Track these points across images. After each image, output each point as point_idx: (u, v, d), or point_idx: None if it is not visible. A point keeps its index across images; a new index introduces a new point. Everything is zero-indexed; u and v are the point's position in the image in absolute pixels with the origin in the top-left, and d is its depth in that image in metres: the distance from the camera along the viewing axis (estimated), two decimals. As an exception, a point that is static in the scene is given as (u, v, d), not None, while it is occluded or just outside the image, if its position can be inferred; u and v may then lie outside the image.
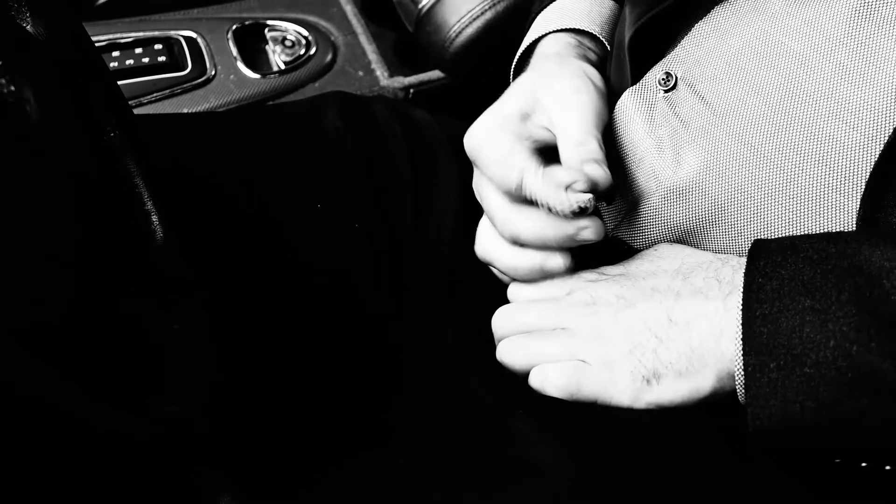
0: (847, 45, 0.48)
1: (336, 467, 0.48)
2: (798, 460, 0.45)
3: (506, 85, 0.67)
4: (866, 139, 0.47)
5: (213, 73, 0.93)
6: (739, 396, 0.45)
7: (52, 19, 0.45)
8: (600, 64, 0.63)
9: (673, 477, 0.45)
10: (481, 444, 0.49)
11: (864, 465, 0.44)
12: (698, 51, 0.54)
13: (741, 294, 0.45)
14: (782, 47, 0.51)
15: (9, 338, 0.36)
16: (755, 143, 0.51)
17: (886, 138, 0.46)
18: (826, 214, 0.49)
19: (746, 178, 0.51)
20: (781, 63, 0.51)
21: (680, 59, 0.55)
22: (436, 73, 0.99)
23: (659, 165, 0.54)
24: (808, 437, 0.43)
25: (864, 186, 0.47)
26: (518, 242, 0.53)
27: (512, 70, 0.66)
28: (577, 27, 0.63)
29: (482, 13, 0.89)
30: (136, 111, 0.73)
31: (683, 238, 0.55)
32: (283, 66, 0.96)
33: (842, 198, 0.48)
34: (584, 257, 0.54)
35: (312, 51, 0.98)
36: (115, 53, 0.91)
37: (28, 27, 0.44)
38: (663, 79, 0.55)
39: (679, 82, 0.55)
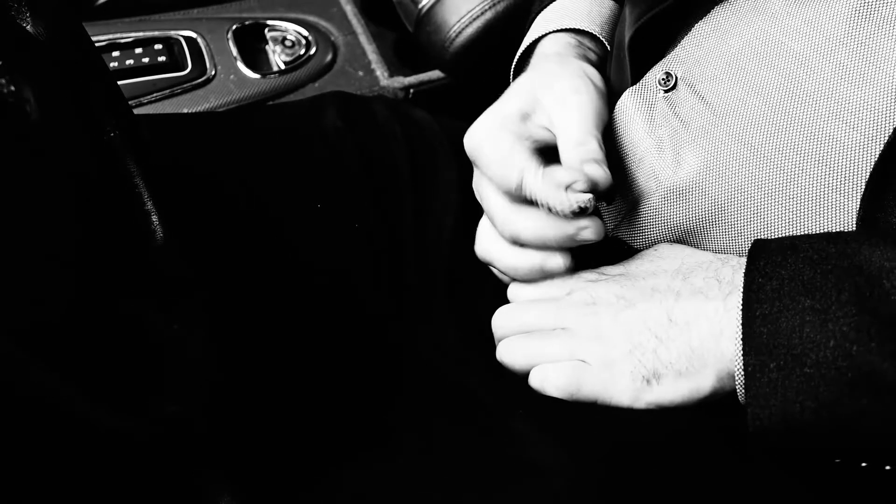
0: (847, 44, 0.48)
1: (336, 467, 0.48)
2: (798, 460, 0.45)
3: (506, 85, 0.67)
4: (866, 139, 0.47)
5: (213, 73, 0.93)
6: (739, 396, 0.45)
7: (52, 19, 0.45)
8: (600, 64, 0.63)
9: (673, 477, 0.45)
10: (481, 444, 0.49)
11: (863, 465, 0.44)
12: (698, 51, 0.54)
13: (741, 294, 0.45)
14: (782, 47, 0.51)
15: (9, 338, 0.36)
16: (755, 143, 0.51)
17: (886, 138, 0.46)
18: (826, 214, 0.49)
19: (746, 178, 0.51)
20: (781, 63, 0.51)
21: (680, 59, 0.55)
22: (436, 73, 0.99)
23: (659, 165, 0.54)
24: (808, 437, 0.43)
25: (864, 186, 0.47)
26: (518, 242, 0.53)
27: (512, 70, 0.66)
28: (577, 27, 0.63)
29: (482, 13, 0.89)
30: (136, 111, 0.73)
31: (683, 238, 0.55)
32: (283, 66, 0.96)
33: (842, 198, 0.48)
34: (584, 257, 0.54)
35: (312, 51, 0.98)
36: (115, 53, 0.91)
37: (28, 27, 0.44)
38: (663, 79, 0.55)
39: (679, 82, 0.55)
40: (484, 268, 0.58)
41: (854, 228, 0.47)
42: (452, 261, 0.62)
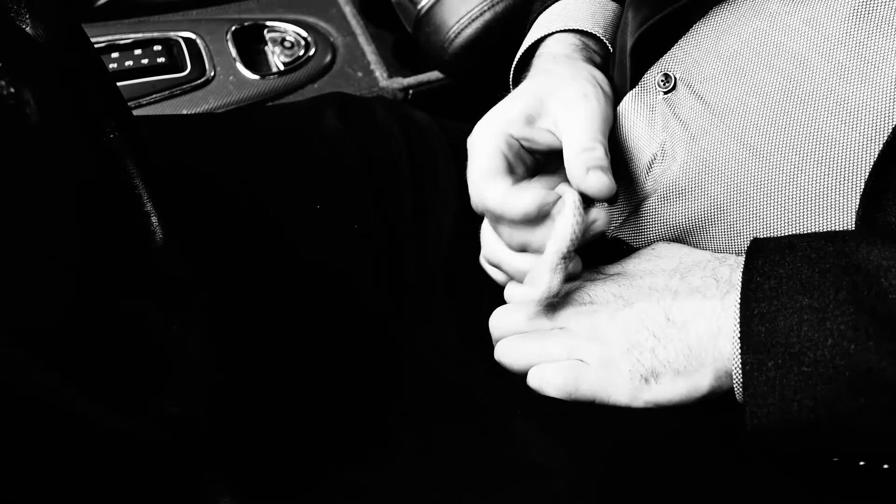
0: (846, 44, 0.48)
1: (336, 467, 0.48)
2: (796, 459, 0.45)
3: (505, 85, 0.67)
4: (865, 139, 0.47)
5: (212, 74, 0.93)
6: (737, 395, 0.45)
7: (51, 21, 0.45)
8: (604, 66, 0.63)
9: (673, 477, 0.45)
10: (481, 444, 0.49)
11: (861, 464, 0.44)
12: (697, 51, 0.54)
13: (739, 293, 0.45)
14: (781, 47, 0.51)
15: (9, 338, 0.36)
16: (754, 143, 0.51)
17: (885, 138, 0.46)
18: (825, 214, 0.49)
19: (745, 178, 0.51)
20: (780, 63, 0.51)
21: (678, 59, 0.55)
22: (435, 74, 0.99)
23: (659, 166, 0.55)
24: (806, 436, 0.43)
25: (862, 186, 0.47)
26: (527, 250, 0.53)
27: (512, 70, 0.66)
28: (580, 28, 0.63)
29: (481, 14, 0.89)
30: (135, 112, 0.73)
31: (682, 237, 0.55)
32: (282, 67, 0.96)
33: (841, 197, 0.48)
34: (583, 257, 0.54)
35: (311, 52, 0.98)
36: (115, 55, 0.91)
37: (28, 29, 0.44)
38: (662, 80, 0.55)
39: (678, 83, 0.55)
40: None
41: (853, 228, 0.47)
42: (452, 261, 0.63)
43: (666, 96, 0.55)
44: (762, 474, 0.45)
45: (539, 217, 0.51)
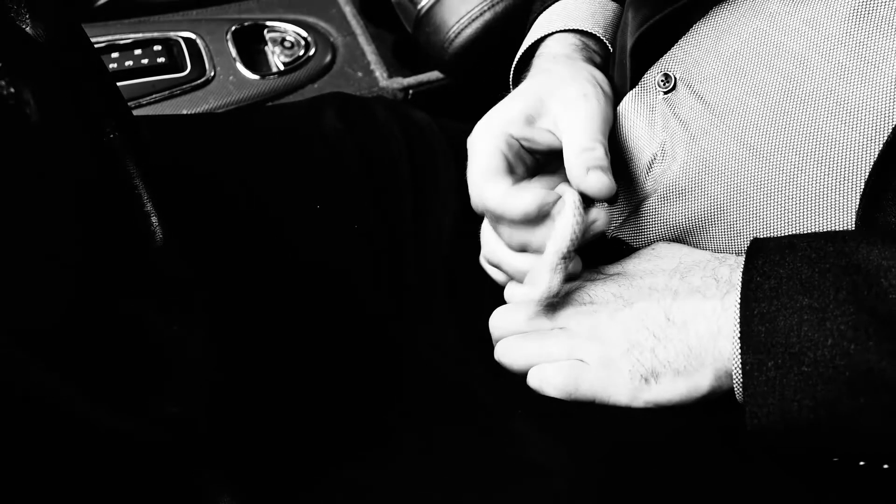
0: (846, 44, 0.48)
1: (336, 467, 0.48)
2: (797, 459, 0.45)
3: (505, 85, 0.67)
4: (865, 139, 0.47)
5: (212, 74, 0.93)
6: (737, 395, 0.45)
7: (51, 21, 0.45)
8: (603, 66, 0.63)
9: (673, 477, 0.45)
10: (481, 444, 0.49)
11: (861, 464, 0.44)
12: (697, 51, 0.54)
13: (739, 293, 0.45)
14: (781, 47, 0.51)
15: (9, 338, 0.36)
16: (754, 143, 0.51)
17: (885, 138, 0.46)
18: (825, 214, 0.49)
19: (745, 178, 0.51)
20: (780, 62, 0.51)
21: (678, 59, 0.55)
22: (435, 74, 0.99)
23: (659, 166, 0.55)
24: (806, 436, 0.43)
25: (862, 186, 0.47)
26: (527, 250, 0.53)
27: (512, 70, 0.66)
28: (581, 28, 0.63)
29: (481, 14, 0.89)
30: (135, 112, 0.73)
31: (682, 237, 0.55)
32: (282, 67, 0.96)
33: (840, 197, 0.48)
34: (583, 257, 0.54)
35: (311, 52, 0.98)
36: (115, 55, 0.91)
37: (27, 29, 0.44)
38: (663, 80, 0.55)
39: (678, 83, 0.55)
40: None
41: (853, 228, 0.47)
42: (452, 261, 0.63)
43: (666, 96, 0.55)
44: (762, 474, 0.45)
45: (539, 217, 0.51)
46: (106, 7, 0.97)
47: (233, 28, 0.97)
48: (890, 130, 0.46)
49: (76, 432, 0.39)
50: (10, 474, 0.38)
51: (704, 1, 0.54)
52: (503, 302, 0.55)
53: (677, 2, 0.54)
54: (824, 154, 0.48)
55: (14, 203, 0.38)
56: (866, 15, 0.48)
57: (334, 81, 0.97)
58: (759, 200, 0.51)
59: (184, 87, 0.91)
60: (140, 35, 0.95)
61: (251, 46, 0.98)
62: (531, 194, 0.51)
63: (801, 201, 0.49)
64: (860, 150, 0.47)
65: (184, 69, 0.93)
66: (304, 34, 1.00)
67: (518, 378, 0.52)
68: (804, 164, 0.49)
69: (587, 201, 0.52)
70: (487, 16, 0.89)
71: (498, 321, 0.54)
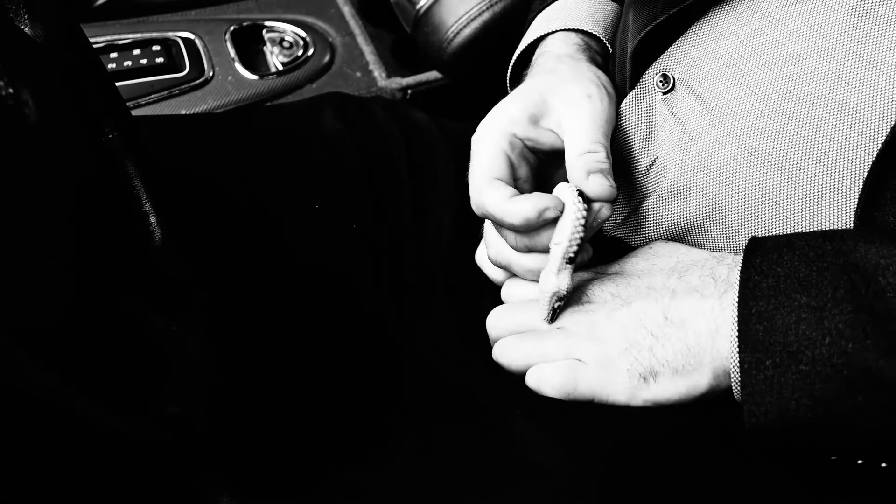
0: (844, 44, 0.48)
1: (336, 467, 0.48)
2: (795, 458, 0.45)
3: (504, 85, 0.67)
4: (863, 138, 0.47)
5: (210, 74, 0.93)
6: (735, 394, 0.45)
7: (50, 21, 0.45)
8: (604, 66, 0.63)
9: (672, 476, 0.45)
10: (481, 444, 0.49)
11: (859, 462, 0.44)
12: (695, 51, 0.54)
13: (737, 292, 0.45)
14: (780, 47, 0.51)
15: (9, 338, 0.36)
16: (752, 143, 0.51)
17: (884, 138, 0.46)
18: (823, 213, 0.49)
19: (744, 178, 0.51)
20: (779, 63, 0.51)
21: (676, 59, 0.55)
22: (433, 74, 0.99)
23: (658, 166, 0.55)
24: (804, 435, 0.43)
25: (860, 185, 0.47)
26: (534, 251, 0.53)
27: (510, 69, 0.66)
28: (581, 28, 0.63)
29: (480, 14, 0.89)
30: (134, 112, 0.73)
31: (681, 237, 0.55)
32: (280, 68, 0.96)
33: (839, 197, 0.48)
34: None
35: (310, 52, 0.98)
36: (114, 55, 0.91)
37: (26, 29, 0.44)
38: (661, 80, 0.55)
39: (677, 83, 0.55)
40: (482, 267, 0.59)
41: (851, 227, 0.48)
42: (452, 260, 0.63)
43: (665, 97, 0.55)
44: (762, 474, 0.45)
45: (540, 223, 0.51)
46: (105, 7, 0.97)
47: (231, 28, 0.97)
48: (888, 130, 0.46)
49: (76, 432, 0.39)
50: (10, 474, 0.38)
51: (703, 1, 0.54)
52: (502, 302, 0.55)
53: (679, 5, 0.53)
54: (823, 153, 0.49)
55: (14, 203, 0.38)
56: (864, 14, 0.48)
57: (333, 81, 0.97)
58: (758, 200, 0.51)
59: (182, 87, 0.91)
60: (139, 35, 0.95)
61: (250, 46, 0.98)
62: (531, 201, 0.50)
63: (800, 200, 0.50)
64: (858, 150, 0.47)
65: (182, 69, 0.93)
66: (303, 34, 1.00)
67: (517, 378, 0.52)
68: (802, 164, 0.49)
69: (586, 200, 0.52)
70: (486, 16, 0.89)
71: (495, 321, 0.54)
